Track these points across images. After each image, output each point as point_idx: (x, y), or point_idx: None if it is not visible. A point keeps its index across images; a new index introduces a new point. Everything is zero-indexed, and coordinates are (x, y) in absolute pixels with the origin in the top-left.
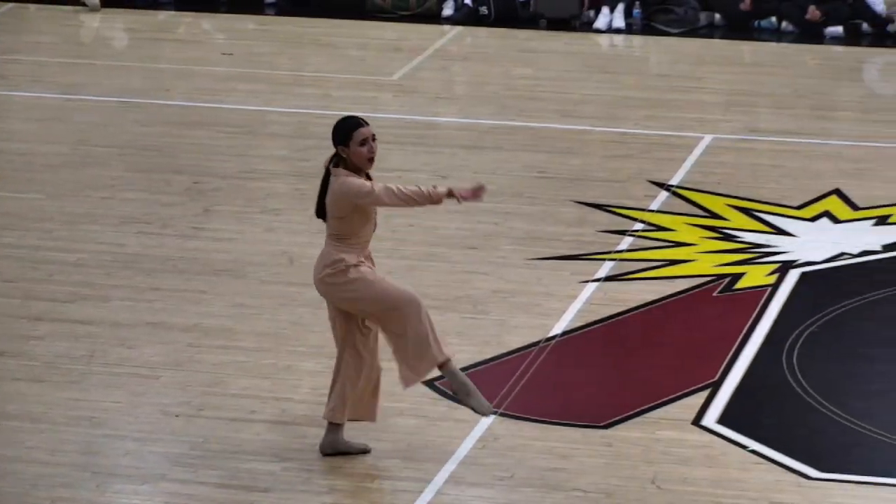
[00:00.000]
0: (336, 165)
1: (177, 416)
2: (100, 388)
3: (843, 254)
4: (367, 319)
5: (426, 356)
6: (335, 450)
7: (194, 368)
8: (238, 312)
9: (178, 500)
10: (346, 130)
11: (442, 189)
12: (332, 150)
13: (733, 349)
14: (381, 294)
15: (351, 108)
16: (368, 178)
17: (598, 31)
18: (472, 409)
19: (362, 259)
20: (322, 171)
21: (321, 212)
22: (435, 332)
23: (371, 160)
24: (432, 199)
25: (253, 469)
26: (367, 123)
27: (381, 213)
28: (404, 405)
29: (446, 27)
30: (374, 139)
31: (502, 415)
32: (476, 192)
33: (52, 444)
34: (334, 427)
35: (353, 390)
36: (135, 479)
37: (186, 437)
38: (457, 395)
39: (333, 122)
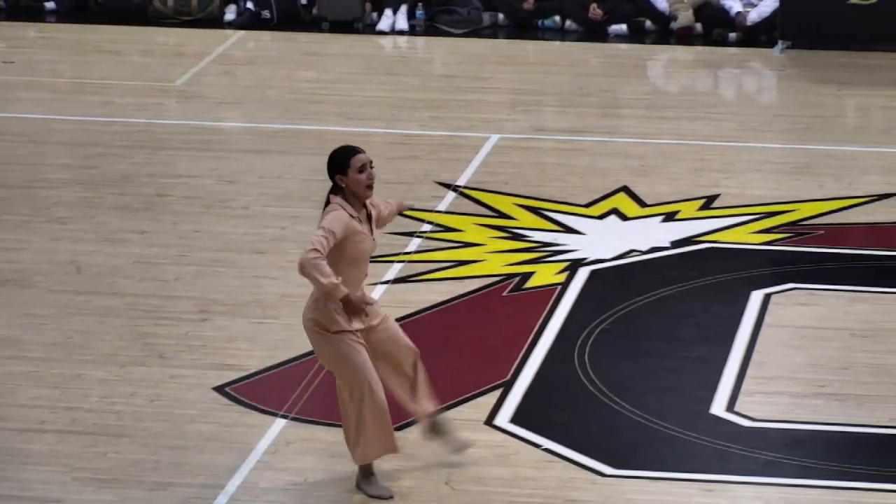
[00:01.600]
0: (336, 195)
1: None
2: None
3: (632, 251)
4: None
5: (353, 449)
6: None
7: None
8: (26, 322)
9: None
10: (343, 158)
11: (340, 291)
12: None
13: (525, 348)
14: (340, 360)
15: (135, 115)
16: (364, 206)
17: (382, 32)
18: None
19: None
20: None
21: None
22: (368, 431)
23: (370, 187)
24: (325, 289)
25: (45, 479)
26: (363, 150)
27: (168, 217)
28: (195, 412)
29: (229, 31)
30: (371, 165)
31: (294, 419)
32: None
33: None
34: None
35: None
36: None
37: None
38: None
39: (117, 128)
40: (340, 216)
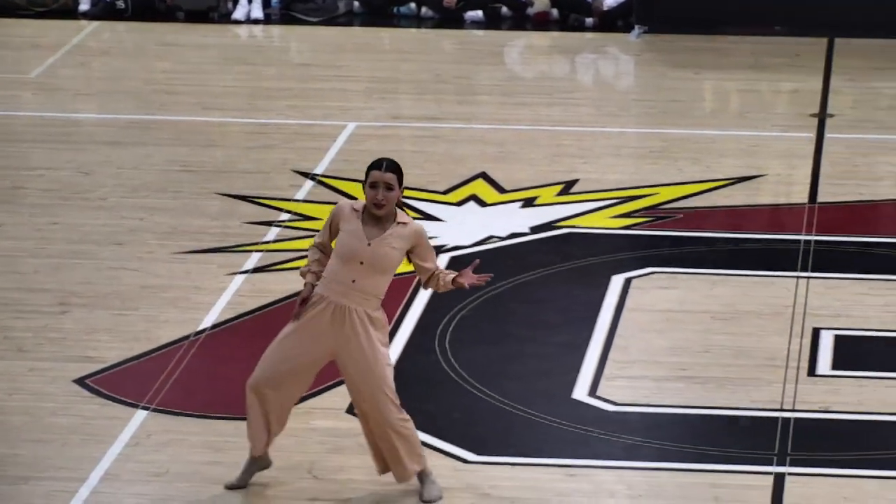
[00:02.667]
0: None
1: None
2: None
3: (491, 237)
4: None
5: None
6: None
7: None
8: None
9: None
10: (367, 168)
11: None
12: None
13: None
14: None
15: None
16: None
17: (237, 21)
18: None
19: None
20: None
21: None
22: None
23: (377, 206)
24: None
25: None
26: (386, 168)
27: (26, 210)
28: (57, 405)
29: (84, 22)
30: (388, 188)
31: (155, 410)
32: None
33: None
34: None
35: None
36: None
37: None
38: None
39: None
40: (337, 206)
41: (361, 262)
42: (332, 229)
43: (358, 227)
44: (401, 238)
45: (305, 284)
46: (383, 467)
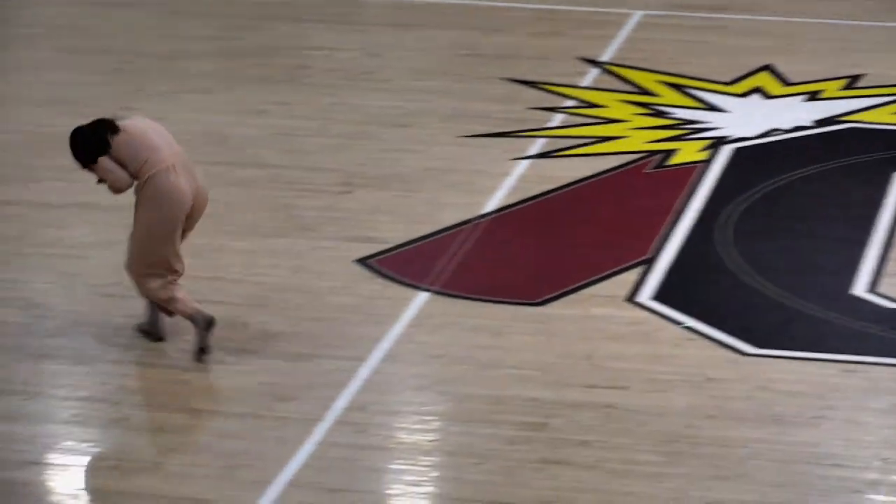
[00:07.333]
0: None
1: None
2: (32, 269)
3: (775, 129)
4: None
5: None
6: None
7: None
8: None
9: (113, 381)
10: None
11: None
12: None
13: (666, 225)
14: None
15: None
16: None
17: None
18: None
19: None
20: None
21: None
22: None
23: None
24: None
25: (185, 348)
26: None
27: (310, 88)
28: (338, 283)
29: None
30: None
31: (436, 293)
32: None
33: None
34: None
35: None
36: (69, 360)
37: (119, 317)
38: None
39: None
40: None
41: None
42: None
43: None
44: None
45: None
46: None
